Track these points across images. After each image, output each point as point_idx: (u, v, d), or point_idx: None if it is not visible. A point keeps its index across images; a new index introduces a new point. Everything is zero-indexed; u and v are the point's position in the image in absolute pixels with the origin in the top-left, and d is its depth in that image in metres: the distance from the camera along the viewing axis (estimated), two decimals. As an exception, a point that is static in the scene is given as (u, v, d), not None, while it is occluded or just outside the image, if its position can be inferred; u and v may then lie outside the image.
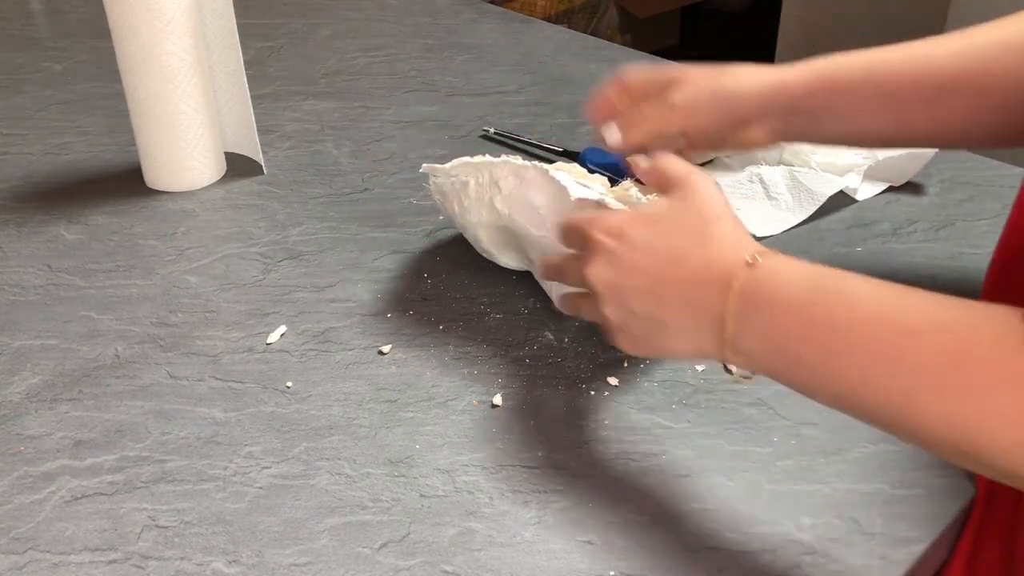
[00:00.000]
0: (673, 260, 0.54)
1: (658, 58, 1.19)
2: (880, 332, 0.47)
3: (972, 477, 0.59)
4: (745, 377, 0.56)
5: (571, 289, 0.63)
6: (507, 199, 0.71)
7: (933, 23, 1.94)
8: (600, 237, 0.56)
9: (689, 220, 0.55)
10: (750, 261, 0.51)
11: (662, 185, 0.58)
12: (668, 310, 0.54)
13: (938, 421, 0.45)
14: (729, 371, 0.67)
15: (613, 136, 0.68)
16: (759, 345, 0.51)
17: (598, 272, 0.56)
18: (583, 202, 0.65)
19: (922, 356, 0.45)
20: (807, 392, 0.51)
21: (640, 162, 0.61)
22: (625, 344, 0.57)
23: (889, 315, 0.47)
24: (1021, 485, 0.45)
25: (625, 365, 0.68)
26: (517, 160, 0.71)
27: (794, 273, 0.51)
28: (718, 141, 0.68)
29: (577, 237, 0.59)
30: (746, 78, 0.65)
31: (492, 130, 1.01)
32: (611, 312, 0.56)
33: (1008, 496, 0.58)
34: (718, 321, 0.52)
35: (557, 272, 0.63)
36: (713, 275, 0.52)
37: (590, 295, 0.58)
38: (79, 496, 0.59)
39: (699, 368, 0.68)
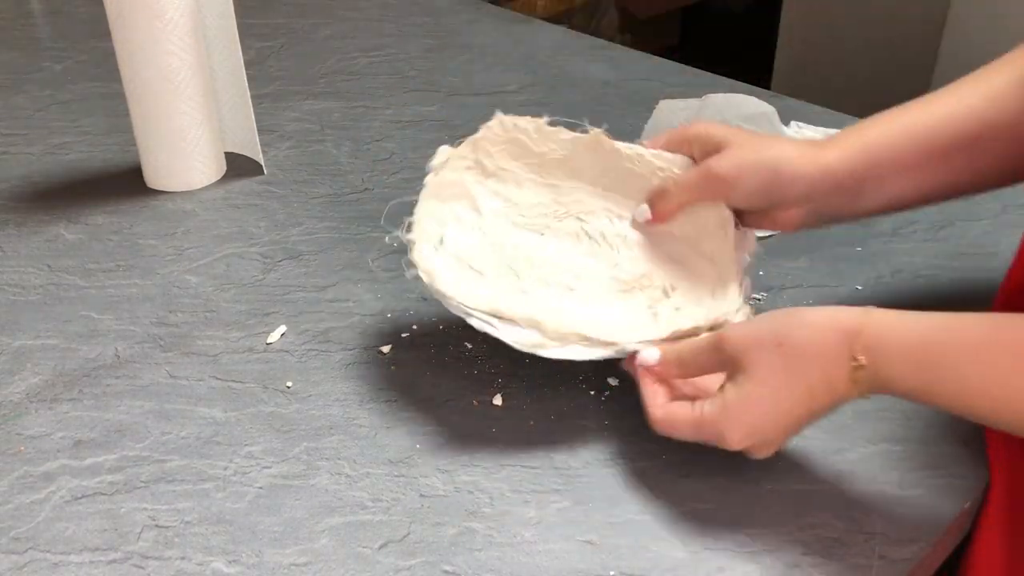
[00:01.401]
0: (791, 406, 0.55)
1: (658, 58, 1.19)
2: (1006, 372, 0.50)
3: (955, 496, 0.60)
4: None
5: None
6: None
7: (933, 23, 1.94)
8: (733, 443, 0.56)
9: (776, 366, 0.55)
10: (855, 364, 0.53)
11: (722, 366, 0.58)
12: (803, 424, 0.56)
13: None
14: None
15: (644, 215, 0.68)
16: (901, 387, 0.53)
17: (735, 445, 0.57)
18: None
19: None
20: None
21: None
22: (764, 454, 0.58)
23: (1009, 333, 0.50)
24: None
25: (622, 372, 0.68)
26: None
27: (897, 337, 0.53)
28: (748, 217, 0.66)
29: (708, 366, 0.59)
30: (794, 159, 0.63)
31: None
32: (752, 453, 0.57)
33: None
34: (848, 395, 0.55)
35: (673, 430, 0.60)
36: (834, 382, 0.54)
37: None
38: (79, 496, 0.59)
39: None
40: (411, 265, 0.65)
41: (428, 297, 0.76)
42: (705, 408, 0.56)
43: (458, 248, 0.69)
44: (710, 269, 0.68)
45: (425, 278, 0.64)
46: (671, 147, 0.68)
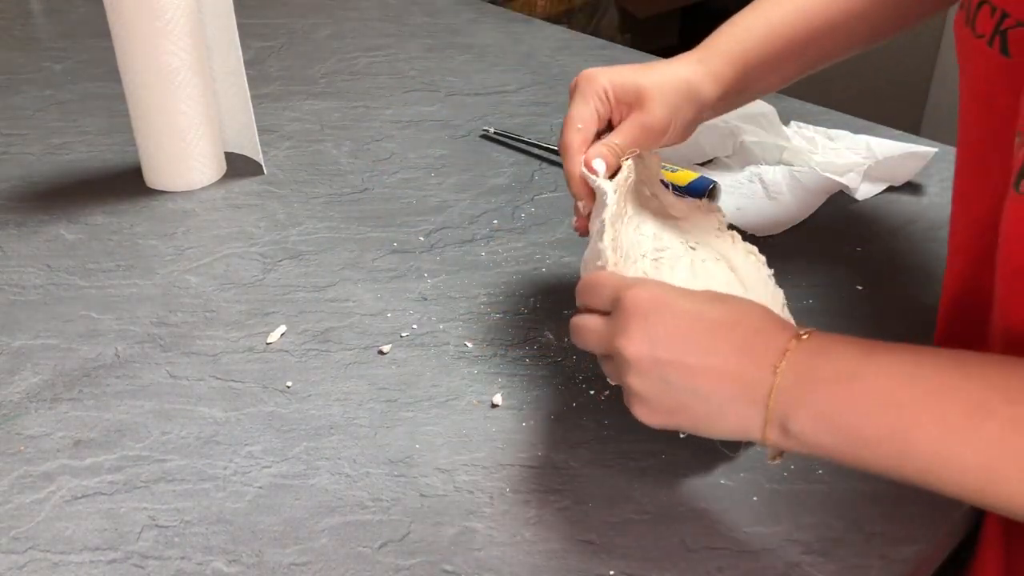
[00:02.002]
0: (720, 329, 0.51)
1: (658, 58, 1.19)
2: (950, 408, 0.45)
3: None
4: (775, 458, 0.53)
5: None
6: None
7: (933, 23, 1.94)
8: (633, 304, 0.52)
9: (728, 299, 0.53)
10: (802, 334, 0.50)
11: None
12: (710, 383, 0.50)
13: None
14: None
15: (601, 167, 0.65)
16: (811, 424, 0.48)
17: (633, 345, 0.52)
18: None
19: (999, 431, 0.44)
20: (872, 470, 0.48)
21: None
22: (645, 415, 0.53)
23: (955, 386, 0.45)
24: None
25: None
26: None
27: (844, 346, 0.49)
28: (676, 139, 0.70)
29: (607, 298, 0.55)
30: (702, 86, 0.68)
31: (492, 130, 1.01)
32: (639, 383, 0.52)
33: None
34: (765, 395, 0.49)
35: (580, 333, 0.57)
36: (763, 344, 0.50)
37: (613, 358, 0.54)
38: (79, 496, 0.59)
39: None
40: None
41: (428, 297, 0.76)
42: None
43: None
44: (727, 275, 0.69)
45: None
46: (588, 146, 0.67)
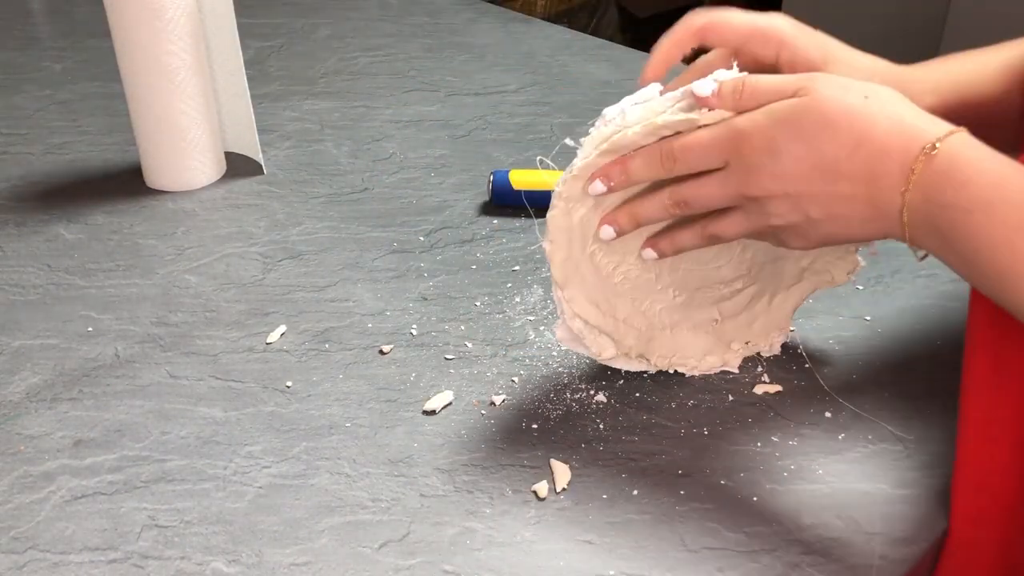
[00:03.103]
0: (843, 157, 0.51)
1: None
2: None
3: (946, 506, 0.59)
4: (922, 259, 0.55)
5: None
6: None
7: (933, 23, 1.94)
8: (751, 150, 0.53)
9: (838, 112, 0.52)
10: (928, 149, 0.50)
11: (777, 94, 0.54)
12: (848, 207, 0.53)
13: None
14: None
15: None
16: (937, 245, 0.50)
17: (766, 187, 0.54)
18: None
19: None
20: (988, 294, 0.51)
21: (701, 87, 0.55)
22: (807, 244, 0.56)
23: None
24: None
25: (622, 372, 0.68)
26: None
27: (975, 170, 0.49)
28: None
29: (714, 154, 0.55)
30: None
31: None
32: (787, 222, 0.55)
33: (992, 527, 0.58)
34: (897, 212, 0.51)
35: (697, 192, 0.56)
36: (891, 167, 0.50)
37: (733, 211, 0.56)
38: (79, 496, 0.59)
39: (699, 368, 0.68)
40: (545, 228, 0.63)
41: (428, 297, 0.76)
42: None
43: (595, 215, 0.63)
44: (793, 278, 0.68)
45: (548, 251, 0.63)
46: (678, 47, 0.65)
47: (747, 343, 0.69)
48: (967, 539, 0.58)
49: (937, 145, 0.50)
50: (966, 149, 0.50)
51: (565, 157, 0.63)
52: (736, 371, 0.68)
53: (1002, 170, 0.49)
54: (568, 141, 0.62)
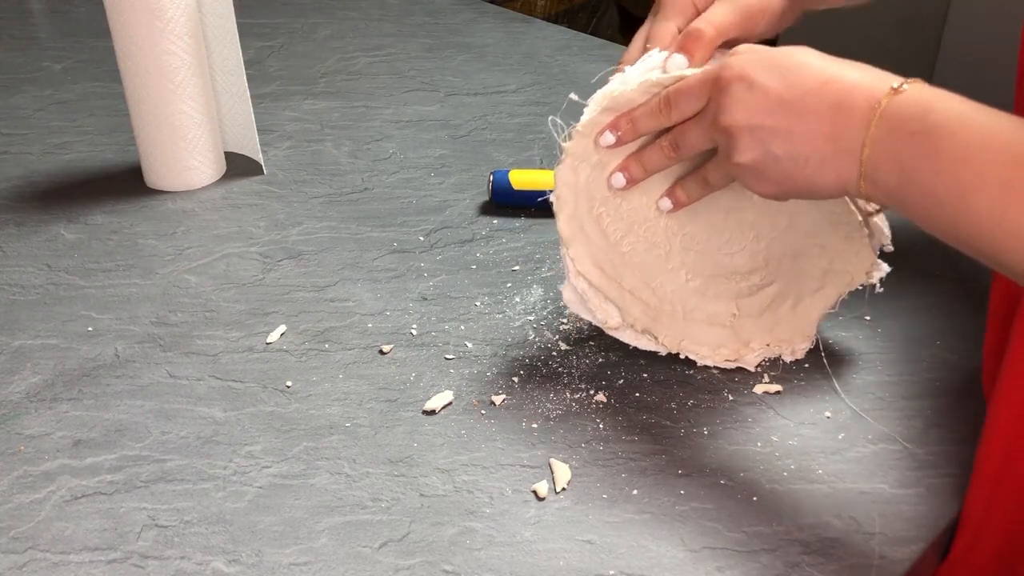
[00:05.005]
0: (812, 90, 0.53)
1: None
2: (1011, 170, 0.46)
3: (955, 498, 0.59)
4: (872, 213, 0.56)
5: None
6: None
7: (933, 23, 1.94)
8: (725, 83, 0.56)
9: (816, 59, 0.54)
10: (896, 87, 0.51)
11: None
12: (809, 144, 0.54)
13: None
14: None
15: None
16: (895, 177, 0.51)
17: (734, 116, 0.55)
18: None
19: None
20: (937, 231, 0.51)
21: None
22: (766, 188, 0.57)
23: (1022, 153, 0.46)
24: None
25: (622, 372, 0.68)
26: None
27: (940, 102, 0.50)
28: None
29: (698, 93, 0.58)
30: None
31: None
32: (750, 158, 0.56)
33: (1004, 517, 0.58)
34: (858, 147, 0.52)
35: (683, 137, 0.60)
36: (858, 100, 0.52)
37: (718, 158, 0.58)
38: (79, 496, 0.59)
39: (699, 368, 0.68)
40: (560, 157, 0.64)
41: (428, 297, 0.76)
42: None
43: (600, 177, 0.65)
44: (816, 280, 0.67)
45: (554, 205, 0.65)
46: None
47: (768, 345, 0.68)
48: (978, 529, 0.58)
49: (904, 85, 0.51)
50: (931, 90, 0.51)
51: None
52: (752, 369, 0.68)
53: (964, 104, 0.50)
54: (573, 96, 0.65)
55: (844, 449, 0.62)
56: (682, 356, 0.68)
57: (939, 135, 0.49)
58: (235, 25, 0.87)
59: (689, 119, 0.60)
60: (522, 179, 0.87)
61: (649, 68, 0.62)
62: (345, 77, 1.15)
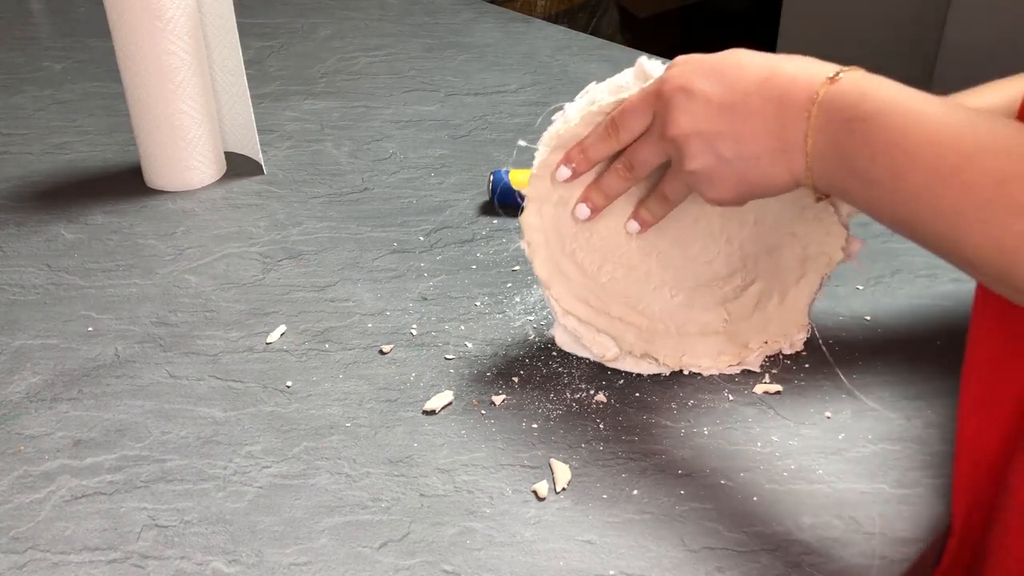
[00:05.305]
0: (752, 90, 0.54)
1: (657, 57, 1.19)
2: (939, 152, 0.47)
3: (947, 504, 0.59)
4: (819, 199, 0.58)
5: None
6: None
7: (933, 23, 1.94)
8: (668, 95, 0.57)
9: (753, 58, 0.55)
10: (832, 76, 0.52)
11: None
12: (756, 143, 0.54)
13: (983, 242, 0.46)
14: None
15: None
16: (836, 164, 0.52)
17: (680, 126, 0.56)
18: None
19: (972, 176, 0.46)
20: (879, 217, 0.52)
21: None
22: (722, 193, 0.57)
23: (951, 136, 0.47)
24: None
25: (622, 372, 0.68)
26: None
27: (874, 89, 0.51)
28: None
29: (642, 109, 0.59)
30: None
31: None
32: (701, 164, 0.56)
33: (976, 536, 0.58)
34: (801, 139, 0.53)
35: (637, 155, 0.61)
36: (798, 92, 0.53)
37: (671, 170, 0.59)
38: (79, 496, 0.59)
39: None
40: (520, 229, 0.65)
41: (428, 297, 0.76)
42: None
43: (566, 214, 0.66)
44: (796, 269, 0.68)
45: (527, 251, 0.65)
46: None
47: (765, 342, 0.69)
48: (967, 527, 0.58)
49: (841, 74, 0.52)
50: (867, 77, 0.52)
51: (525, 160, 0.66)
52: (757, 369, 0.68)
53: (899, 90, 0.51)
54: (521, 142, 0.67)
55: (844, 449, 0.62)
56: (686, 372, 0.68)
57: (873, 120, 0.50)
58: (235, 25, 0.87)
59: (638, 138, 0.61)
60: (522, 179, 0.87)
61: (589, 102, 0.63)
62: (345, 77, 1.15)
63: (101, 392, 0.67)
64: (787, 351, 0.70)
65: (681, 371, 0.68)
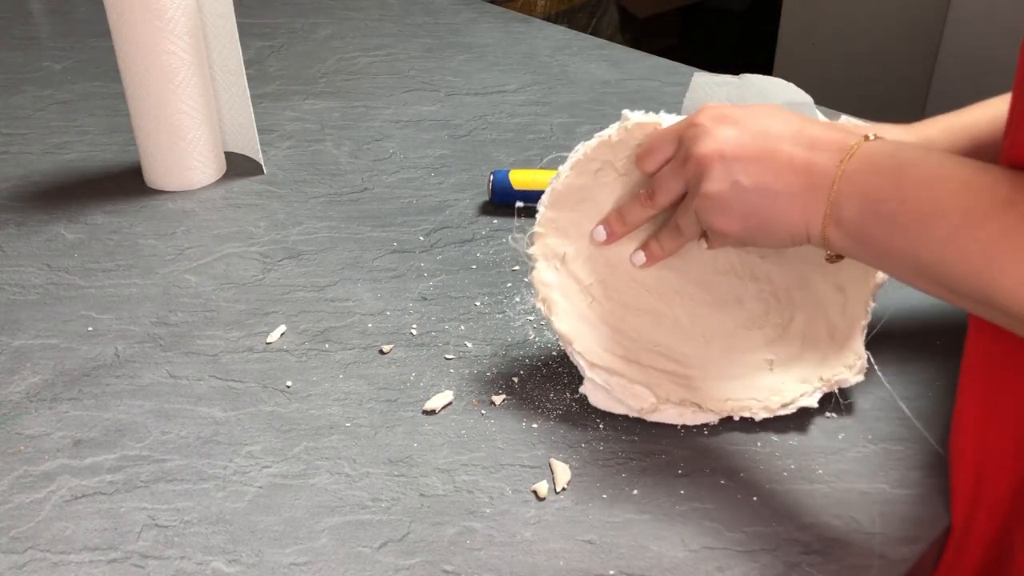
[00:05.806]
0: (785, 136, 0.55)
1: (658, 58, 1.19)
2: (974, 197, 0.48)
3: (947, 506, 0.59)
4: (832, 260, 0.57)
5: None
6: None
7: (933, 23, 1.94)
8: (705, 121, 0.57)
9: (784, 112, 0.57)
10: (871, 137, 0.53)
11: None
12: (779, 179, 0.54)
13: (1016, 285, 0.46)
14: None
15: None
16: (857, 209, 0.52)
17: (707, 146, 0.56)
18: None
19: (1010, 221, 0.46)
20: (894, 264, 0.52)
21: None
22: (728, 224, 0.57)
23: (987, 183, 0.48)
24: None
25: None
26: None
27: (910, 146, 0.53)
28: None
29: (670, 137, 0.60)
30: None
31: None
32: (718, 188, 0.56)
33: (982, 533, 0.58)
34: (828, 183, 0.53)
35: (661, 183, 0.61)
36: (832, 141, 0.54)
37: (687, 199, 0.59)
38: (79, 495, 0.59)
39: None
40: (532, 288, 0.65)
41: (428, 297, 0.76)
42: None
43: (578, 267, 0.66)
44: (836, 298, 0.65)
45: (544, 310, 0.64)
46: None
47: (821, 379, 0.64)
48: (966, 527, 0.58)
49: (874, 136, 0.54)
50: (902, 141, 0.54)
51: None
52: (815, 406, 0.64)
53: (931, 150, 0.53)
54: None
55: (844, 449, 0.62)
56: (736, 418, 0.63)
57: (908, 167, 0.51)
58: (235, 25, 0.87)
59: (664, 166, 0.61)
60: (522, 179, 0.87)
61: (576, 152, 0.64)
62: (345, 77, 1.15)
63: (101, 392, 0.67)
64: (852, 381, 0.64)
65: (731, 418, 0.64)
